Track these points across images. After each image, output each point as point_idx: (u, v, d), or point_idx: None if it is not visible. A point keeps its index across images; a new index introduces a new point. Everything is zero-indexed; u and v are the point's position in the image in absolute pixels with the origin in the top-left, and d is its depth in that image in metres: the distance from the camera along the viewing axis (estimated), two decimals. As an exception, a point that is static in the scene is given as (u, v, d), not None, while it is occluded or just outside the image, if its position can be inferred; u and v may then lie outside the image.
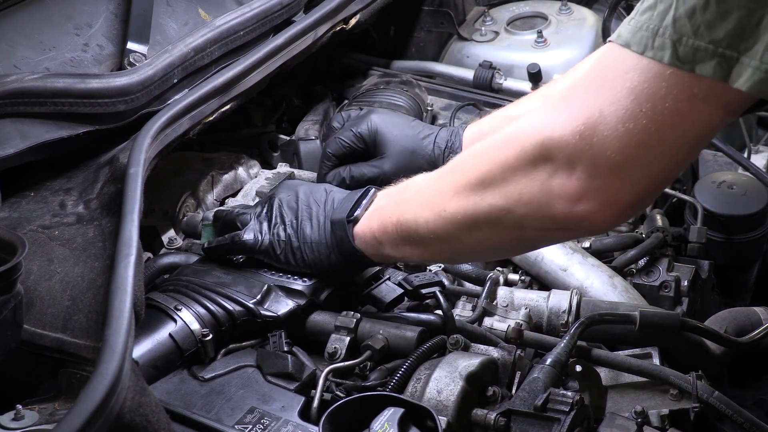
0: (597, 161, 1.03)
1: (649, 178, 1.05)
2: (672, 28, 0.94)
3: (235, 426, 1.26)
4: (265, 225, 1.50)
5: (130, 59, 1.63)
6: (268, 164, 2.05)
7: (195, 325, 1.38)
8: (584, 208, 1.06)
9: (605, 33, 2.44)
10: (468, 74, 2.32)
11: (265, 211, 1.52)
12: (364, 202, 1.44)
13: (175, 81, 1.62)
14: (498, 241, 1.25)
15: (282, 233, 1.48)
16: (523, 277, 1.69)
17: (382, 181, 1.71)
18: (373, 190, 1.47)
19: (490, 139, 1.20)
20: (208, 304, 1.42)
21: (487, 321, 1.55)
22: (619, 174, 1.03)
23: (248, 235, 1.49)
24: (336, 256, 1.45)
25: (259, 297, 1.44)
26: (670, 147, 1.02)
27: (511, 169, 1.12)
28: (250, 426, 1.26)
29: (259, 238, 1.49)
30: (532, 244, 1.32)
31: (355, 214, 1.43)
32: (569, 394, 1.25)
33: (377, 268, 1.56)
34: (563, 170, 1.05)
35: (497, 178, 1.15)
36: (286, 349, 1.37)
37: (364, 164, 1.73)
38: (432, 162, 1.71)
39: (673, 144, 1.02)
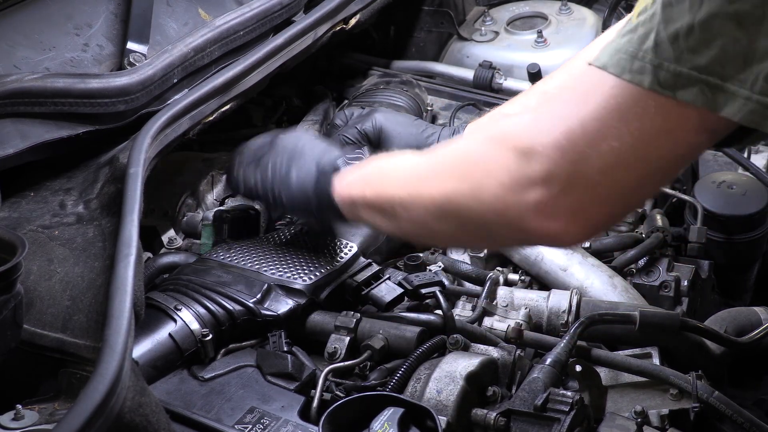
0: (576, 178, 1.01)
1: (626, 198, 1.04)
2: (653, 53, 0.93)
3: (235, 426, 1.26)
4: (260, 167, 1.51)
5: (130, 59, 1.63)
6: (268, 164, 2.04)
7: (195, 325, 1.38)
8: (556, 226, 1.04)
9: (605, 33, 2.44)
10: (468, 74, 2.32)
11: (264, 153, 1.53)
12: (354, 157, 1.44)
13: (175, 81, 1.62)
14: (465, 237, 1.25)
15: (269, 174, 1.48)
16: (523, 277, 1.69)
17: None
18: (367, 152, 1.46)
19: (479, 135, 1.17)
20: (208, 304, 1.42)
21: (487, 321, 1.55)
22: (595, 193, 1.02)
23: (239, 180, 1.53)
24: (313, 201, 1.43)
25: (259, 296, 1.44)
26: (653, 168, 1.00)
27: (488, 174, 1.10)
28: (250, 426, 1.26)
29: (241, 185, 1.52)
30: (498, 245, 1.30)
31: (338, 163, 1.43)
32: (569, 394, 1.25)
33: (377, 268, 1.56)
34: (540, 185, 1.02)
35: (474, 180, 1.12)
36: (286, 349, 1.37)
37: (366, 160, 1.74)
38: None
39: (657, 165, 1.00)
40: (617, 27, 0.98)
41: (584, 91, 1.00)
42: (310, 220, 1.49)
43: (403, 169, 1.31)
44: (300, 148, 1.48)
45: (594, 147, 0.98)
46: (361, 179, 1.39)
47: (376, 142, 1.74)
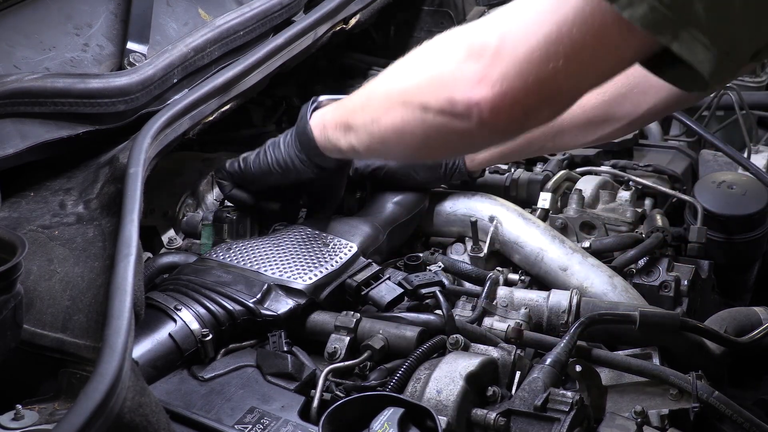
0: (504, 50, 1.09)
1: (548, 82, 1.09)
2: None
3: (235, 426, 1.26)
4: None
5: (130, 59, 1.63)
6: (268, 164, 2.04)
7: (195, 325, 1.38)
8: (479, 93, 1.11)
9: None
10: (468, 74, 2.32)
11: None
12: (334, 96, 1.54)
13: (175, 81, 1.62)
14: (405, 124, 1.27)
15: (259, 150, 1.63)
16: (523, 277, 1.69)
17: (387, 172, 1.73)
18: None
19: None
20: (208, 304, 1.42)
21: (487, 321, 1.55)
22: (521, 71, 1.08)
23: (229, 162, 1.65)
24: (294, 144, 1.56)
25: (259, 296, 1.44)
26: (574, 57, 1.06)
27: (440, 55, 1.19)
28: (250, 426, 1.26)
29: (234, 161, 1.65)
30: (435, 137, 1.28)
31: (320, 100, 1.55)
32: (569, 394, 1.25)
33: (377, 268, 1.56)
34: (475, 57, 1.11)
35: (427, 61, 1.23)
36: (286, 349, 1.37)
37: None
38: (436, 158, 1.73)
39: (578, 56, 1.06)
40: None
41: None
42: (296, 164, 1.57)
43: (367, 84, 1.41)
44: None
45: (525, 26, 1.07)
46: (333, 105, 1.51)
47: None
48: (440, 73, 1.17)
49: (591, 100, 1.58)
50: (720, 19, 0.97)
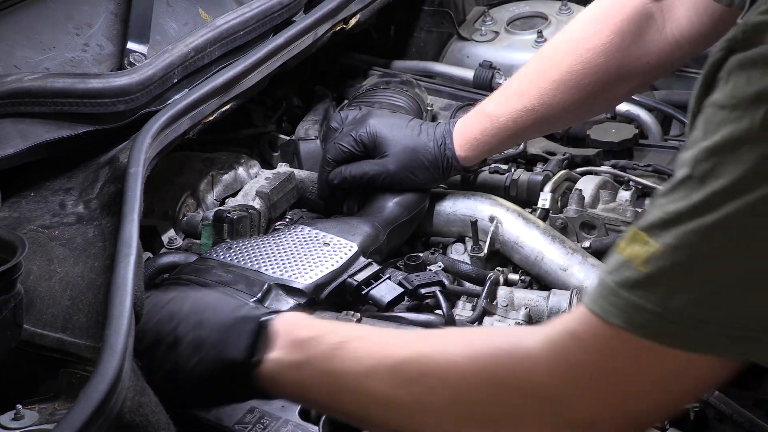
0: None
1: None
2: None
3: (235, 426, 1.26)
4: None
5: (130, 59, 1.63)
6: (268, 164, 2.05)
7: (195, 325, 1.38)
8: None
9: (605, 33, 2.43)
10: (468, 74, 2.32)
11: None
12: (262, 339, 1.16)
13: (175, 81, 1.62)
14: None
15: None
16: (523, 277, 1.69)
17: (385, 179, 1.73)
18: (269, 319, 1.19)
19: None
20: (208, 304, 1.42)
21: (487, 321, 1.55)
22: None
23: None
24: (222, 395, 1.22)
25: (259, 296, 1.44)
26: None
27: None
28: (250, 426, 1.26)
29: None
30: None
31: (256, 355, 1.15)
32: (569, 393, 1.24)
33: (377, 268, 1.56)
34: None
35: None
36: (286, 349, 1.37)
37: (365, 162, 1.75)
38: (433, 159, 1.72)
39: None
40: None
41: None
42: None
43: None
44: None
45: None
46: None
47: (372, 147, 1.75)
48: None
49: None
50: None
